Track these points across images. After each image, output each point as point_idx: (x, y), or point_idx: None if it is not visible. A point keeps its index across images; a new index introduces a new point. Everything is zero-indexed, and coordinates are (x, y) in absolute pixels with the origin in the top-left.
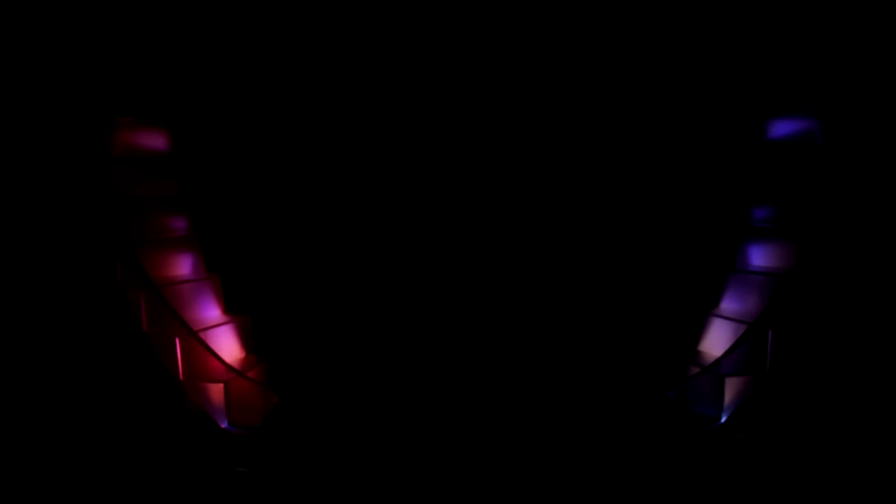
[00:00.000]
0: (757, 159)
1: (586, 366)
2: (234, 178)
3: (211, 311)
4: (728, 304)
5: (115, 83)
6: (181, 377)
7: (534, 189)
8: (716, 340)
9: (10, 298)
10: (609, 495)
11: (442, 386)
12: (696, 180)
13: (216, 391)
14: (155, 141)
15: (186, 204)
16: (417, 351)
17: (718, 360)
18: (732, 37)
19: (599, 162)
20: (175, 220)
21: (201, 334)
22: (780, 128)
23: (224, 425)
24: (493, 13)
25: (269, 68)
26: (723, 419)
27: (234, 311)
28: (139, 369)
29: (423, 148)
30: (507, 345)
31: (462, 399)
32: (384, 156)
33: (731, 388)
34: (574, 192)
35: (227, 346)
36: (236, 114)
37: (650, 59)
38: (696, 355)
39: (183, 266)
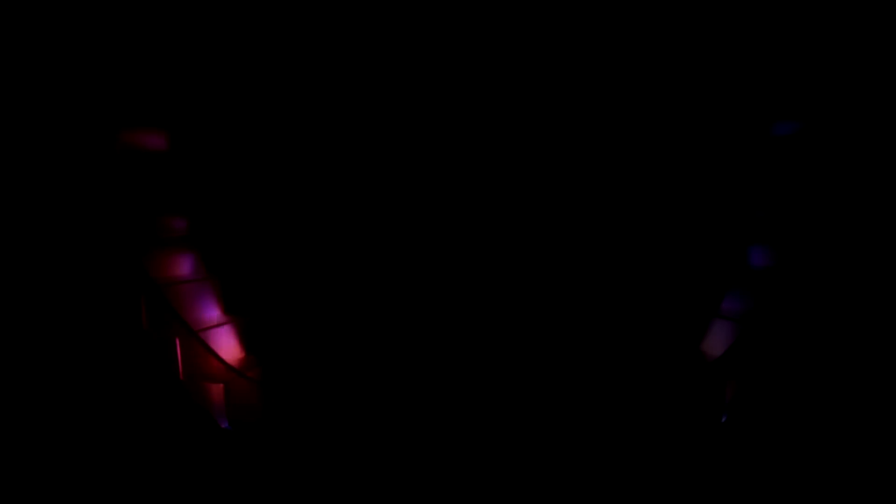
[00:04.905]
0: (757, 159)
1: (587, 366)
2: (233, 179)
3: (211, 312)
4: (728, 304)
5: (117, 84)
6: (181, 377)
7: (535, 190)
8: (716, 340)
9: (11, 298)
10: (610, 495)
11: (441, 386)
12: (697, 181)
13: (216, 391)
14: (155, 142)
15: (186, 204)
16: (417, 351)
17: (718, 360)
18: (732, 37)
19: (600, 162)
20: (175, 220)
21: (201, 334)
22: (781, 128)
23: (224, 425)
24: (493, 13)
25: (269, 68)
26: (723, 419)
27: (234, 311)
28: (139, 369)
29: (422, 148)
30: (507, 345)
31: (462, 399)
32: (383, 156)
33: (731, 388)
34: (575, 192)
35: (227, 346)
36: (236, 114)
37: (651, 60)
38: (696, 355)
39: (183, 266)
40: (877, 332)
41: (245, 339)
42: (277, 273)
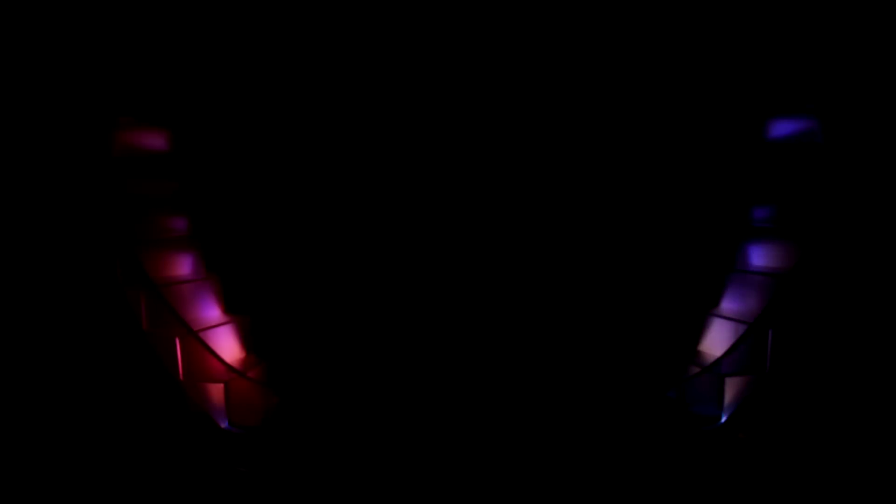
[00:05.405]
0: (757, 159)
1: (586, 366)
2: (233, 178)
3: (211, 311)
4: (728, 304)
5: (116, 82)
6: (181, 377)
7: (533, 189)
8: (716, 340)
9: (11, 298)
10: (609, 495)
11: (441, 385)
12: (696, 180)
13: (216, 391)
14: (155, 141)
15: (186, 204)
16: (417, 350)
17: (718, 360)
18: (732, 36)
19: (599, 162)
20: (175, 220)
21: (201, 334)
22: (780, 128)
23: (224, 425)
24: (492, 12)
25: (269, 67)
26: (723, 419)
27: (234, 311)
28: (139, 369)
29: (422, 147)
30: (506, 345)
31: (461, 399)
32: (383, 155)
33: (731, 388)
34: (574, 192)
35: (227, 346)
36: (236, 113)
37: (650, 59)
38: (696, 355)
39: (183, 266)
40: (877, 332)
41: (245, 338)
42: (278, 272)
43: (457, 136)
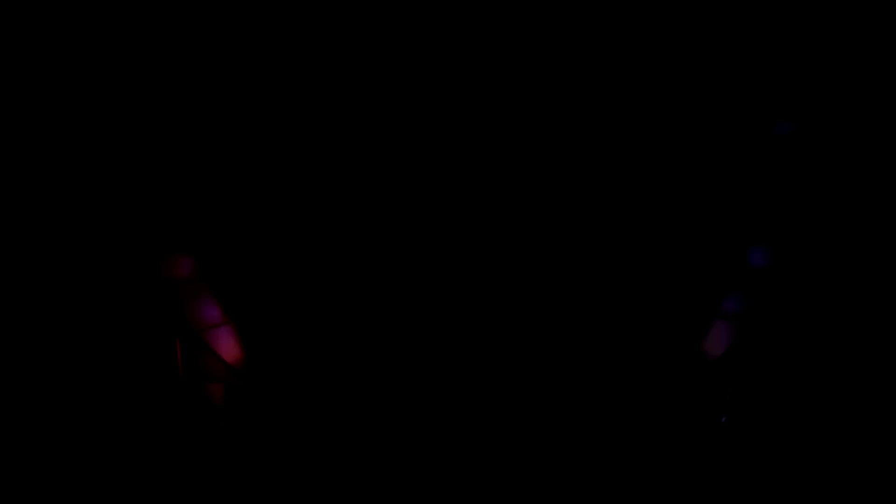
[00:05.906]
0: (757, 159)
1: (587, 366)
2: (232, 178)
3: (211, 311)
4: (728, 304)
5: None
6: (181, 377)
7: (535, 189)
8: (716, 340)
9: (13, 298)
10: (610, 495)
11: (442, 386)
12: (698, 181)
13: (216, 391)
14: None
15: (186, 205)
16: (417, 351)
17: (718, 360)
18: (732, 36)
19: (600, 163)
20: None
21: (201, 334)
22: (781, 127)
23: (223, 425)
24: (493, 13)
25: (268, 67)
26: (723, 419)
27: (234, 311)
28: (139, 369)
29: (421, 147)
30: (507, 345)
31: (462, 399)
32: (383, 154)
33: (731, 388)
34: (575, 192)
35: (227, 346)
36: (235, 113)
37: (651, 60)
38: (696, 355)
39: (183, 266)
40: (876, 331)
41: (245, 339)
42: (278, 273)
43: (456, 138)
